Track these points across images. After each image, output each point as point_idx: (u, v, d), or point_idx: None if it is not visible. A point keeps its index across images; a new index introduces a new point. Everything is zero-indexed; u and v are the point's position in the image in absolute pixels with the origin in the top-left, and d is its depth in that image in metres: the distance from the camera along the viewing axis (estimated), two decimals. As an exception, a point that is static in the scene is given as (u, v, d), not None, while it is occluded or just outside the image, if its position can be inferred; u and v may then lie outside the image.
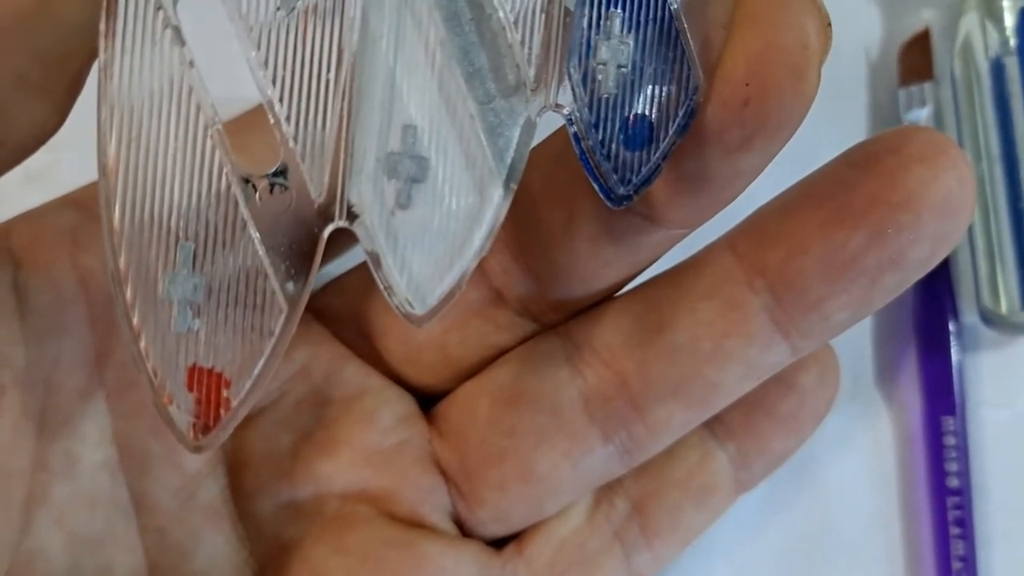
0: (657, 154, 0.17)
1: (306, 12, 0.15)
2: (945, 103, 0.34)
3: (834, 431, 0.31)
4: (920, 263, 0.20)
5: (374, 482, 0.22)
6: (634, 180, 0.17)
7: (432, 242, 0.16)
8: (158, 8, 0.15)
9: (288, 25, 0.15)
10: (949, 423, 0.31)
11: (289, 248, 0.15)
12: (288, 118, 0.15)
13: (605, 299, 0.22)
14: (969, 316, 0.32)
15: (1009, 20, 0.33)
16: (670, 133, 0.17)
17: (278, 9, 0.15)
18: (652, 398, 0.21)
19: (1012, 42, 0.33)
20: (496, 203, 0.16)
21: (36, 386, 0.20)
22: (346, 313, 0.23)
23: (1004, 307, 0.31)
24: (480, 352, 0.23)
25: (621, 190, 0.17)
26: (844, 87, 0.35)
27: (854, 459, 0.32)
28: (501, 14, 0.16)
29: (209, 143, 0.15)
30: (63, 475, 0.20)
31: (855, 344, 0.32)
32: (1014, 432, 0.32)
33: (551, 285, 0.22)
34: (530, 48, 0.16)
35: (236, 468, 0.22)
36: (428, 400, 0.24)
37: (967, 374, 0.32)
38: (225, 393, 0.16)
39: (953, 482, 0.30)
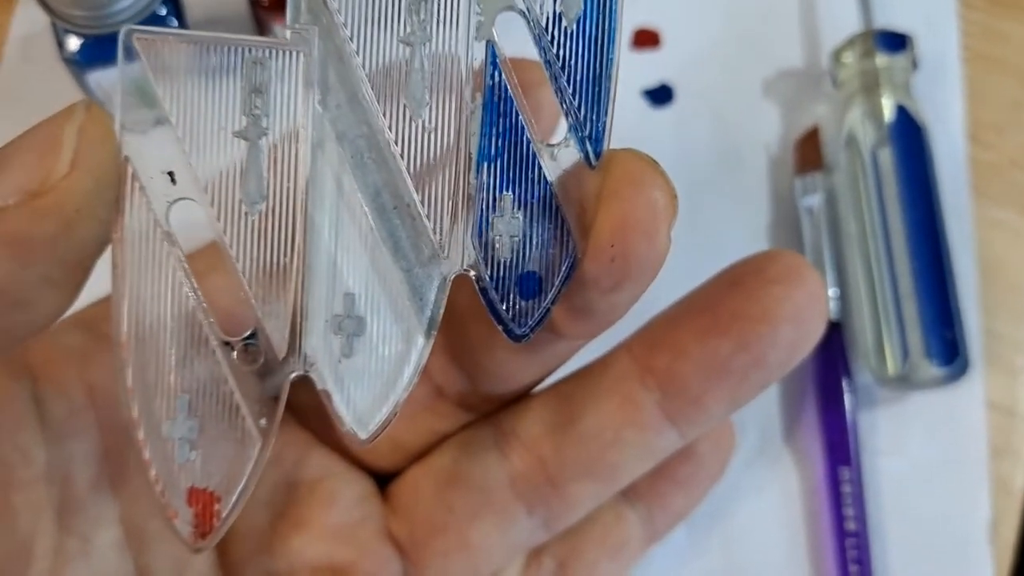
0: (546, 301, 0.21)
1: (265, 213, 0.20)
2: (835, 189, 0.39)
3: (746, 482, 0.36)
4: (779, 365, 0.24)
5: (339, 554, 0.26)
6: (529, 322, 0.21)
7: (370, 381, 0.21)
8: (155, 220, 0.19)
9: (253, 224, 0.20)
10: (845, 473, 0.35)
11: (260, 393, 0.20)
12: (256, 295, 0.20)
13: (528, 392, 0.27)
14: (864, 377, 0.37)
15: (887, 115, 0.38)
16: (555, 284, 0.21)
17: (246, 212, 0.20)
18: (567, 478, 0.26)
19: (887, 135, 0.37)
20: (420, 347, 0.21)
21: (55, 481, 0.23)
22: (313, 407, 0.27)
23: (890, 368, 0.36)
24: (426, 439, 0.28)
25: (518, 331, 0.21)
26: (748, 178, 0.40)
27: (765, 507, 0.36)
28: (417, 203, 0.21)
29: (197, 320, 0.20)
30: (79, 554, 0.24)
31: (764, 406, 0.37)
32: (907, 479, 0.37)
33: (481, 383, 0.26)
34: (440, 228, 0.21)
35: (223, 542, 0.26)
36: (384, 478, 0.28)
37: (864, 428, 0.37)
38: (217, 507, 0.20)
39: (851, 525, 0.35)
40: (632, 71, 0.40)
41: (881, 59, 0.38)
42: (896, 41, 0.39)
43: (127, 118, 0.19)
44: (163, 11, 0.34)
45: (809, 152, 0.39)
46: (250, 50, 0.20)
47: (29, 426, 0.23)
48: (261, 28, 0.37)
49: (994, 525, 0.36)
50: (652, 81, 0.40)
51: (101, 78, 0.34)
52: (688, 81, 0.40)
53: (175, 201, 0.20)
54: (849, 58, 0.39)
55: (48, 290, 0.19)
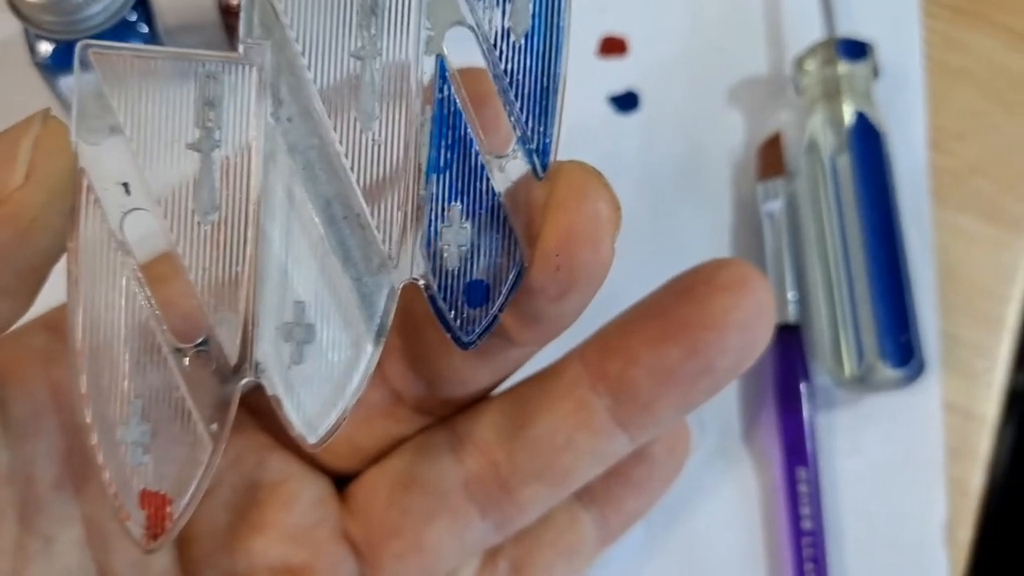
0: (493, 309, 0.22)
1: (217, 223, 0.20)
2: (796, 195, 0.39)
3: (704, 482, 0.37)
4: (727, 371, 0.25)
5: (295, 556, 0.27)
6: (476, 330, 0.22)
7: (320, 387, 0.21)
8: (109, 230, 0.20)
9: (206, 234, 0.20)
10: (802, 473, 0.36)
11: (212, 399, 0.21)
12: (208, 303, 0.20)
13: (485, 396, 0.28)
14: (823, 379, 0.38)
15: (847, 122, 0.38)
16: (503, 293, 0.22)
17: (199, 222, 0.20)
18: (519, 482, 0.26)
19: (846, 141, 0.38)
20: (368, 354, 0.21)
21: (18, 481, 0.24)
22: (272, 409, 0.28)
23: (846, 370, 0.36)
24: (383, 442, 0.28)
25: (465, 338, 0.22)
26: (712, 183, 0.40)
27: (723, 506, 0.37)
28: (367, 213, 0.21)
29: (150, 328, 0.20)
30: (41, 553, 0.24)
31: (723, 406, 0.38)
32: (864, 479, 0.38)
33: (438, 387, 0.27)
34: (390, 237, 0.21)
35: (184, 542, 0.27)
36: (343, 479, 0.29)
37: (823, 429, 0.38)
38: (168, 509, 0.21)
39: (807, 524, 0.36)
40: (599, 78, 0.41)
41: (842, 67, 0.39)
42: (857, 49, 0.39)
43: (83, 129, 0.20)
44: (133, 17, 0.34)
45: (771, 158, 0.40)
46: (204, 64, 0.20)
47: None
48: (231, 35, 0.37)
49: (950, 526, 0.37)
50: (618, 88, 0.41)
51: (73, 83, 0.35)
52: (654, 88, 0.41)
53: (129, 211, 0.20)
54: (811, 65, 0.40)
55: (2, 299, 0.20)
